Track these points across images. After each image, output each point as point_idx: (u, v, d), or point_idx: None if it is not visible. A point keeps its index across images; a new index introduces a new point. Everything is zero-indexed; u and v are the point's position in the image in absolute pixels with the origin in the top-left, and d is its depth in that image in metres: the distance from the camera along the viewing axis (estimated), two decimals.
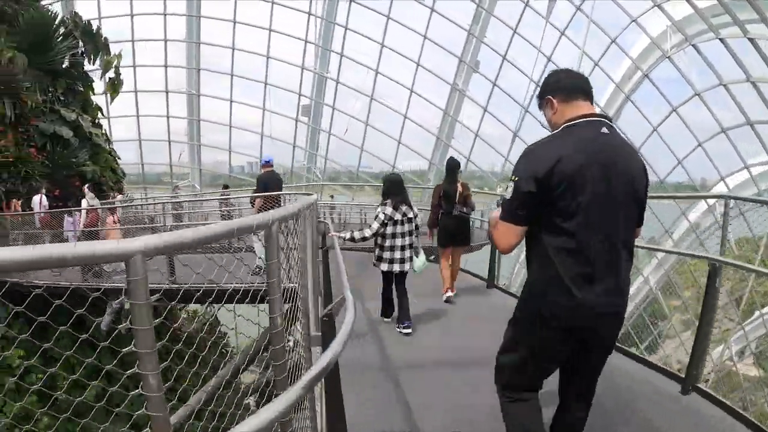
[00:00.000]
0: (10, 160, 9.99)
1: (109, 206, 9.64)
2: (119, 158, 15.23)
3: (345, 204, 20.15)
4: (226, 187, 15.38)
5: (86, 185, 10.74)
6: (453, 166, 5.72)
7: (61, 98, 12.47)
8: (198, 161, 26.10)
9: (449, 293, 5.69)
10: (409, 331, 4.54)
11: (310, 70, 24.22)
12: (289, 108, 24.93)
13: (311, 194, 4.74)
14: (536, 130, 18.13)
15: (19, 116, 10.62)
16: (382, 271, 4.71)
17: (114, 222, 8.46)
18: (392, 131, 24.30)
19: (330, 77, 24.21)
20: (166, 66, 23.68)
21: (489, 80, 22.11)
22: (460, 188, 5.56)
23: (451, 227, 5.61)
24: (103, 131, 14.67)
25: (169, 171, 26.39)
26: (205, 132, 25.68)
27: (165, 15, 22.44)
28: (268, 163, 7.45)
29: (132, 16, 21.96)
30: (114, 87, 14.69)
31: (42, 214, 9.91)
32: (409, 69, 22.63)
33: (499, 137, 23.03)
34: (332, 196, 22.70)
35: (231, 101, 24.61)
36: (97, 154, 13.22)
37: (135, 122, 24.36)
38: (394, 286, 4.77)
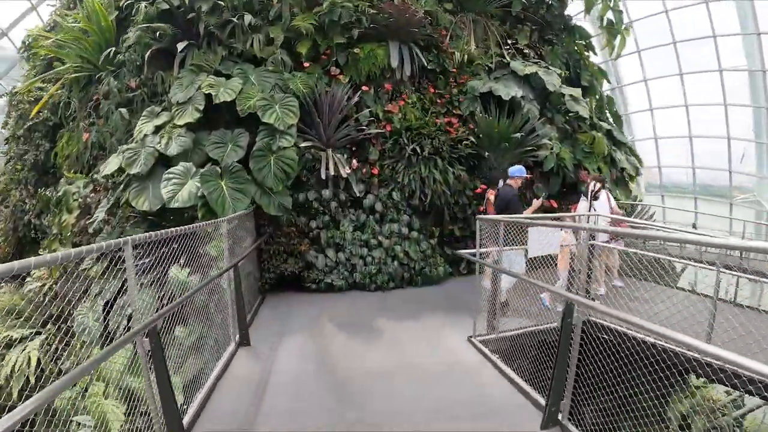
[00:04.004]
0: (386, 130, 7.15)
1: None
2: (628, 145, 9.33)
3: None
4: None
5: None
6: None
7: (525, 51, 8.50)
8: None
9: None
10: None
11: None
12: None
13: None
14: None
15: (437, 73, 7.75)
16: None
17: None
18: None
19: None
20: (714, 36, 15.27)
21: None
22: None
23: None
24: (599, 100, 9.31)
25: (728, 180, 17.57)
26: None
27: None
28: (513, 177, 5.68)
29: None
30: (612, 35, 8.90)
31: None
32: None
33: None
34: None
35: None
36: (580, 132, 8.26)
37: (684, 114, 17.20)
38: None
